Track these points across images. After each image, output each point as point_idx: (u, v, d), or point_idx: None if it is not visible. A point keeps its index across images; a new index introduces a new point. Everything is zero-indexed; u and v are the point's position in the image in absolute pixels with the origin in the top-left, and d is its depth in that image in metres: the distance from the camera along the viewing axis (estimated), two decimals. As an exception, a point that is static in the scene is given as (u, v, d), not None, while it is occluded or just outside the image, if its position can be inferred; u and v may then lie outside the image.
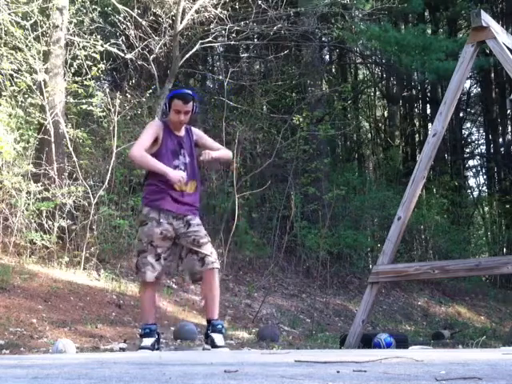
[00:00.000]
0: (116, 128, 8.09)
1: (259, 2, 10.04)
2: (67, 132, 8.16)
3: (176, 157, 4.10)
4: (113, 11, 9.85)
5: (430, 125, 17.91)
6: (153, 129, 4.13)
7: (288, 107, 12.77)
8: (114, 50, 9.61)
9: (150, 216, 4.05)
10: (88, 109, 8.54)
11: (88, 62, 8.50)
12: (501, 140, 19.22)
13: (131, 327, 5.95)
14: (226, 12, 9.87)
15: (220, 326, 4.09)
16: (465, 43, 6.28)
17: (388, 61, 15.55)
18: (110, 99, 8.35)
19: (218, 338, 4.04)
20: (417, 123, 19.97)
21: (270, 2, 10.32)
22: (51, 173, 7.72)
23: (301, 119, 10.39)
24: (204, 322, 6.72)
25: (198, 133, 4.38)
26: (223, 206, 9.79)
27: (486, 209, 18.70)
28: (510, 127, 19.80)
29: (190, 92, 4.21)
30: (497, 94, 19.31)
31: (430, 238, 14.02)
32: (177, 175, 3.97)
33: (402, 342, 6.14)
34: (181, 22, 9.51)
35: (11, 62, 7.87)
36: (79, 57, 8.41)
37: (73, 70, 8.41)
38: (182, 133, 4.25)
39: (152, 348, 4.02)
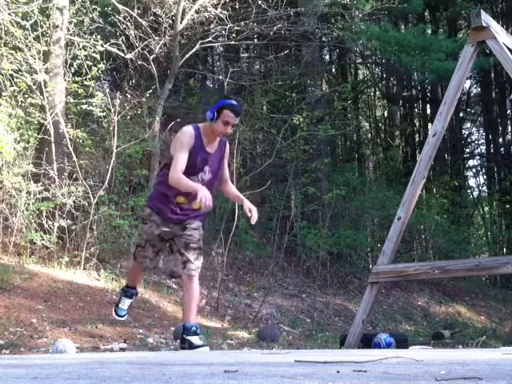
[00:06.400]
0: (116, 128, 8.09)
1: (259, 2, 10.04)
2: (67, 132, 8.16)
3: (196, 173, 3.99)
4: (113, 11, 9.85)
5: (430, 125, 17.91)
6: (187, 144, 3.95)
7: (288, 107, 12.76)
8: (114, 49, 9.61)
9: (150, 218, 4.09)
10: (88, 109, 8.54)
11: (88, 62, 8.50)
12: (501, 140, 19.23)
13: (131, 327, 5.95)
14: (226, 12, 9.87)
15: (194, 328, 4.01)
16: (465, 43, 6.29)
17: (388, 61, 15.55)
18: (110, 99, 8.35)
19: (194, 339, 3.99)
20: (417, 123, 19.97)
21: (270, 2, 10.32)
22: (51, 173, 7.72)
23: (301, 119, 10.38)
24: (203, 323, 6.75)
25: (227, 151, 4.25)
26: (223, 206, 9.79)
27: (486, 209, 18.71)
28: (510, 127, 19.80)
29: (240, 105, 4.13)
30: (497, 93, 19.31)
31: (430, 238, 14.02)
32: (202, 196, 3.74)
33: (401, 342, 6.15)
34: (181, 22, 9.51)
35: (11, 62, 7.87)
36: (79, 57, 8.41)
37: (73, 70, 8.40)
38: (213, 149, 4.10)
39: (126, 311, 4.53)
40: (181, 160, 3.92)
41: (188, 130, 4.01)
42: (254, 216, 4.10)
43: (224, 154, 4.20)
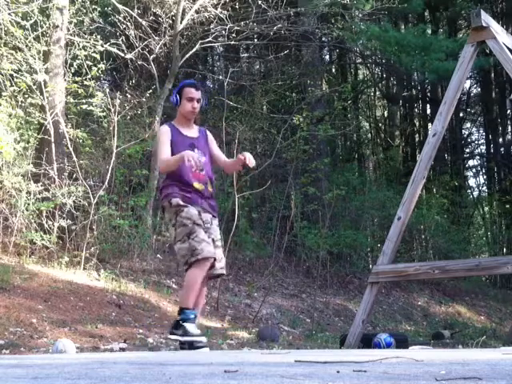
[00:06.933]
0: (116, 128, 8.09)
1: (259, 2, 10.04)
2: (67, 132, 8.16)
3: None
4: (113, 11, 9.86)
5: (430, 125, 17.91)
6: (165, 135, 4.14)
7: (288, 107, 12.77)
8: (114, 49, 9.61)
9: (182, 203, 4.02)
10: (88, 109, 8.55)
11: (88, 62, 8.50)
12: (501, 140, 19.23)
13: (131, 327, 5.95)
14: (226, 12, 9.88)
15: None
16: (465, 43, 6.28)
17: (388, 61, 15.56)
18: (110, 99, 8.35)
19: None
20: (417, 123, 19.98)
21: (270, 1, 10.32)
22: (51, 173, 7.72)
23: (301, 119, 10.38)
24: (203, 323, 6.74)
25: (211, 137, 4.40)
26: (223, 206, 9.79)
27: (486, 209, 18.71)
28: (510, 127, 19.80)
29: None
30: (497, 93, 19.31)
31: (430, 238, 14.02)
32: (188, 156, 3.82)
33: (401, 342, 6.14)
34: (181, 22, 9.52)
35: (11, 62, 7.87)
36: (79, 57, 8.41)
37: (73, 70, 8.41)
38: (195, 133, 4.27)
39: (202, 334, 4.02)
40: (163, 150, 4.10)
41: (162, 127, 4.26)
42: (249, 158, 4.10)
43: (208, 139, 4.35)
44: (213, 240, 4.09)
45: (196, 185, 4.08)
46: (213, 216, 4.19)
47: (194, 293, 3.92)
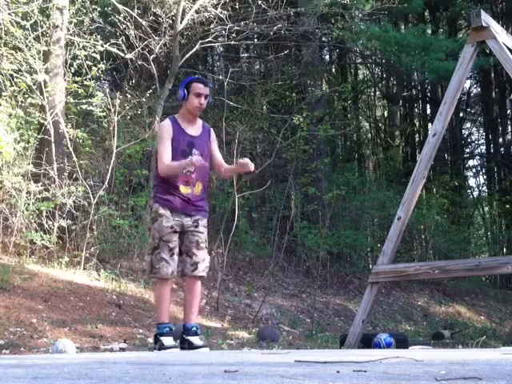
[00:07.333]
0: (116, 128, 8.09)
1: (259, 2, 10.04)
2: (67, 132, 8.16)
3: (185, 157, 4.07)
4: (113, 11, 9.85)
5: (430, 125, 17.91)
6: (167, 134, 4.10)
7: (288, 107, 12.77)
8: (114, 50, 9.61)
9: (159, 212, 4.06)
10: (88, 109, 8.55)
11: (88, 62, 8.50)
12: (501, 140, 19.22)
13: (131, 327, 5.95)
14: (226, 12, 9.87)
15: (195, 329, 4.10)
16: (465, 43, 6.28)
17: (388, 61, 15.55)
18: (110, 99, 8.35)
19: (195, 340, 4.06)
20: (417, 123, 19.98)
21: (270, 1, 10.32)
22: (51, 173, 7.72)
23: (301, 119, 10.37)
24: (203, 323, 6.75)
25: (213, 136, 4.36)
26: (223, 206, 9.79)
27: (486, 209, 18.70)
28: (510, 127, 19.80)
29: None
30: (497, 93, 19.31)
31: (430, 238, 14.01)
32: (193, 160, 3.90)
33: (401, 342, 6.14)
34: (181, 22, 9.51)
35: (11, 62, 7.87)
36: (79, 57, 8.41)
37: (73, 70, 8.41)
38: (197, 131, 4.22)
39: (177, 346, 4.07)
40: (164, 151, 4.08)
41: (164, 122, 4.22)
42: (248, 163, 4.07)
43: (210, 137, 4.31)
44: (197, 242, 4.09)
45: (182, 188, 4.07)
46: (200, 217, 4.16)
47: (163, 307, 4.07)
